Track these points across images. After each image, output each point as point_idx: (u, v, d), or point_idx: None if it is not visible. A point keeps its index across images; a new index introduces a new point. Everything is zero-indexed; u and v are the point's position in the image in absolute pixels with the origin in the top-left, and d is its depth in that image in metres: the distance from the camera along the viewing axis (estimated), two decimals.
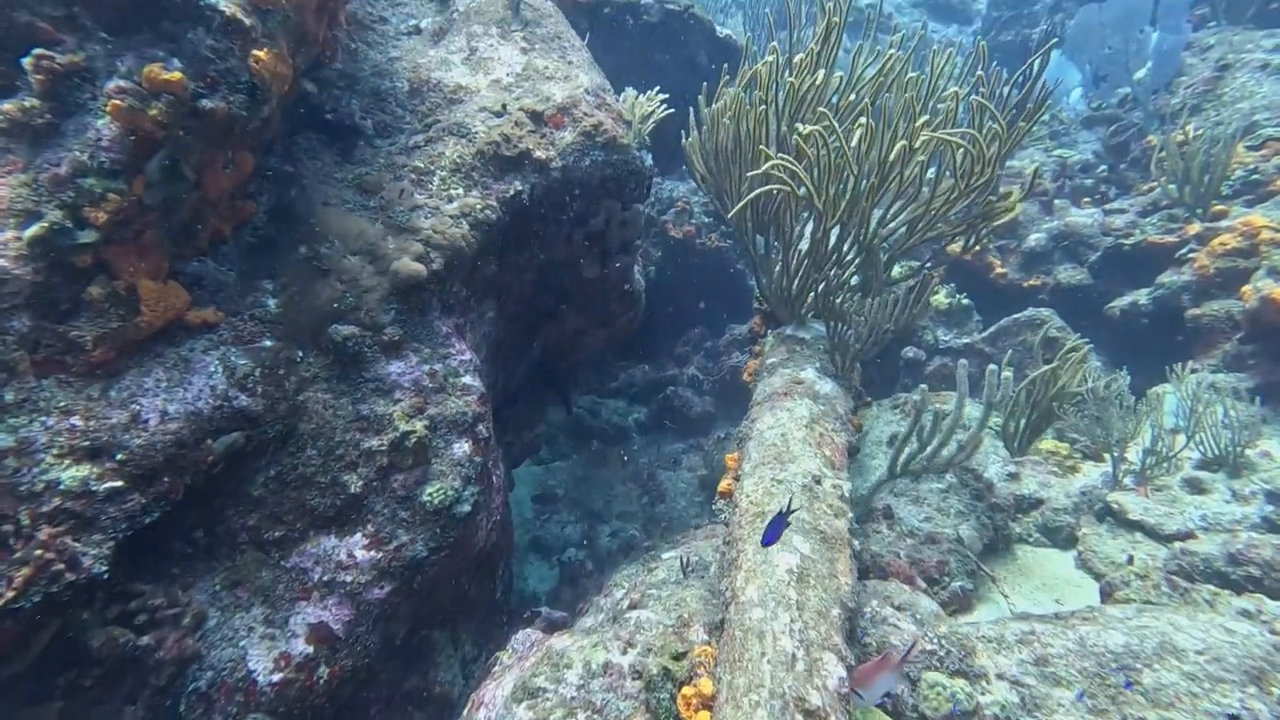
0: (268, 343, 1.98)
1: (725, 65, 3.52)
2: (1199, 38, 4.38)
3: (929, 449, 2.46)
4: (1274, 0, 4.68)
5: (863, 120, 2.55)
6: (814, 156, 2.55)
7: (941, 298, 4.64)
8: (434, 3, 3.19)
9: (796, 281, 3.15)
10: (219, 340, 1.91)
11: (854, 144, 2.54)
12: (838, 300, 2.93)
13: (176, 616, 1.70)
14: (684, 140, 3.24)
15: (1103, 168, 4.68)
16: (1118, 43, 4.38)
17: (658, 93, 3.10)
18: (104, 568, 1.54)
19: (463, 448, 2.28)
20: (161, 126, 1.61)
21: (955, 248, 3.17)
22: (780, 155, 2.60)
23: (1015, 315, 4.17)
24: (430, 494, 2.16)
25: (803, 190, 2.59)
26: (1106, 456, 2.97)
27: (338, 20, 2.17)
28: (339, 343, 2.10)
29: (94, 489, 1.57)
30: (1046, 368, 2.75)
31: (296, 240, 2.14)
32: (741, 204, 2.70)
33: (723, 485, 2.26)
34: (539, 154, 2.74)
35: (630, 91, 3.07)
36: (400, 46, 2.93)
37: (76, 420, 1.60)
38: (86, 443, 1.60)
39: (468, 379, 2.39)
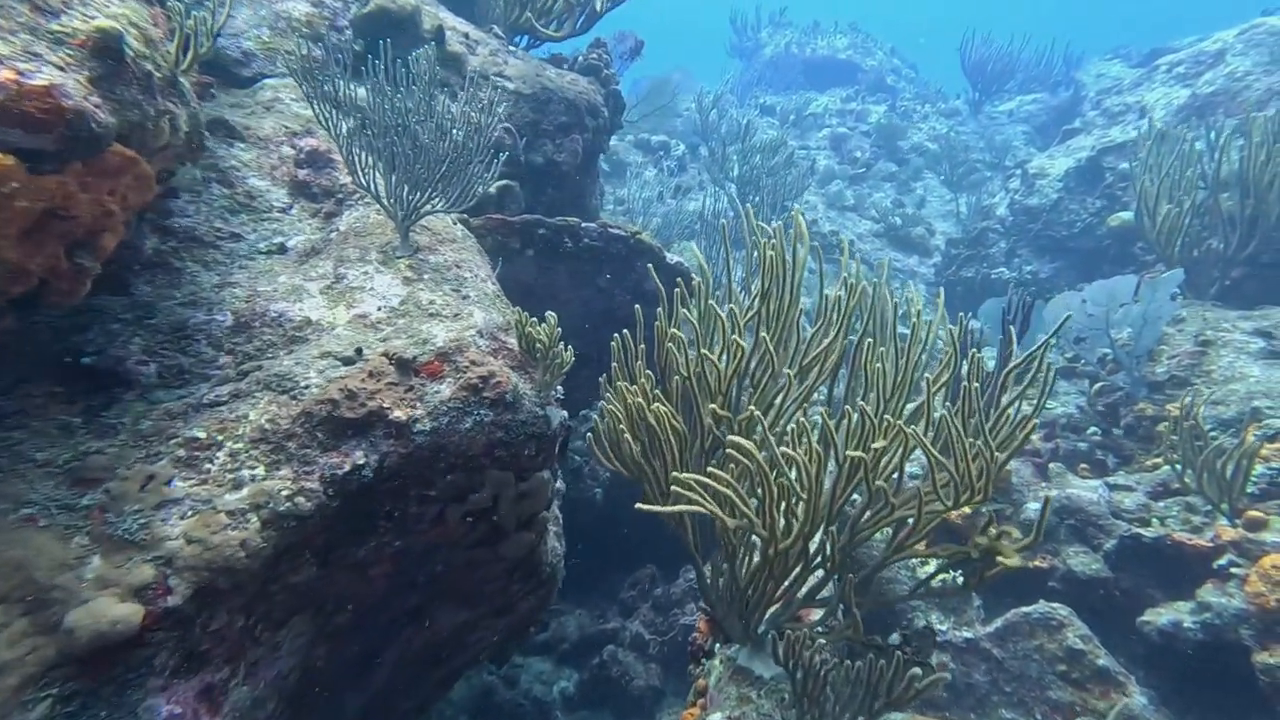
0: None
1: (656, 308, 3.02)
2: (1173, 308, 4.18)
3: None
4: (1226, 279, 4.61)
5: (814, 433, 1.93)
6: (753, 476, 1.89)
7: (931, 569, 3.83)
8: (316, 219, 2.69)
9: (750, 591, 2.33)
10: None
11: (803, 462, 1.89)
12: (805, 639, 2.08)
13: None
14: (593, 426, 2.64)
15: (1093, 430, 4.19)
16: (1098, 313, 4.13)
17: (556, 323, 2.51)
18: None
19: None
20: None
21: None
22: (709, 471, 1.93)
23: (1026, 610, 3.35)
24: None
25: (735, 521, 1.88)
26: None
27: (101, 246, 1.52)
28: None
29: None
30: None
31: None
32: (668, 510, 1.96)
33: None
34: (397, 414, 2.02)
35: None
36: (250, 268, 2.33)
37: None
38: None
39: None
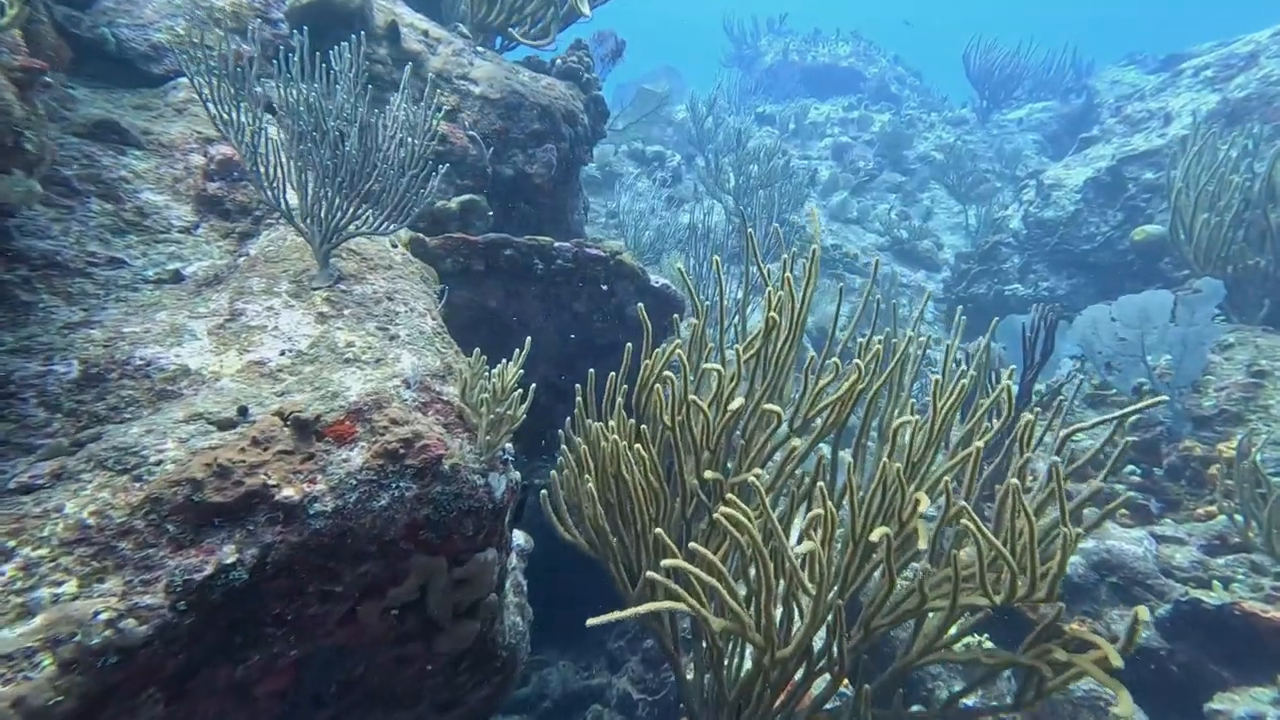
0: None
1: (634, 341, 2.58)
2: (1217, 332, 3.74)
3: None
4: (1277, 300, 4.16)
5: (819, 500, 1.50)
6: (745, 554, 1.44)
7: (950, 632, 3.36)
8: (227, 241, 2.26)
9: (741, 703, 1.87)
10: None
11: (816, 552, 1.46)
12: None
13: None
14: (549, 485, 2.22)
15: (1132, 469, 3.73)
16: (1131, 336, 3.69)
17: (521, 358, 2.07)
18: None
19: None
20: None
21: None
22: (692, 549, 1.48)
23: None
24: None
25: (723, 623, 1.43)
26: None
27: None
28: None
29: None
30: None
31: None
32: (638, 611, 1.51)
33: None
34: (288, 492, 1.58)
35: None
36: (129, 302, 1.90)
37: None
38: None
39: None
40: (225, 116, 1.99)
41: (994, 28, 11.90)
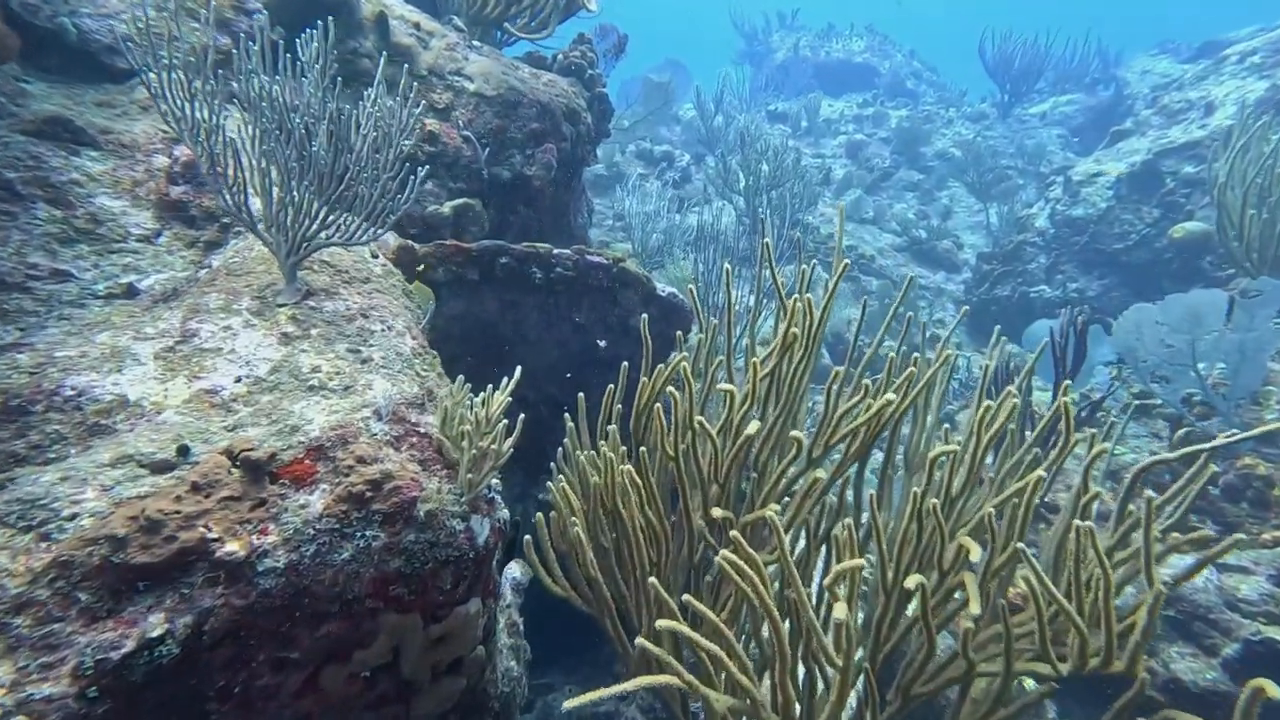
0: None
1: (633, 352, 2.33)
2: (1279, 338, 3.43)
3: None
4: None
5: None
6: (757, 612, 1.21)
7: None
8: (191, 250, 2.06)
9: None
10: None
11: (846, 622, 1.22)
12: None
13: None
14: (534, 529, 1.99)
15: None
16: (1180, 342, 3.40)
17: (509, 388, 1.85)
18: None
19: None
20: None
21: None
22: (687, 604, 1.25)
23: None
24: None
25: (730, 701, 1.19)
26: None
27: None
28: None
29: None
30: None
31: None
32: (628, 687, 1.28)
33: None
34: (232, 547, 1.35)
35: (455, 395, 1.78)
36: (71, 320, 1.70)
37: None
38: None
39: None
40: (177, 112, 1.78)
41: (1000, 14, 11.55)
